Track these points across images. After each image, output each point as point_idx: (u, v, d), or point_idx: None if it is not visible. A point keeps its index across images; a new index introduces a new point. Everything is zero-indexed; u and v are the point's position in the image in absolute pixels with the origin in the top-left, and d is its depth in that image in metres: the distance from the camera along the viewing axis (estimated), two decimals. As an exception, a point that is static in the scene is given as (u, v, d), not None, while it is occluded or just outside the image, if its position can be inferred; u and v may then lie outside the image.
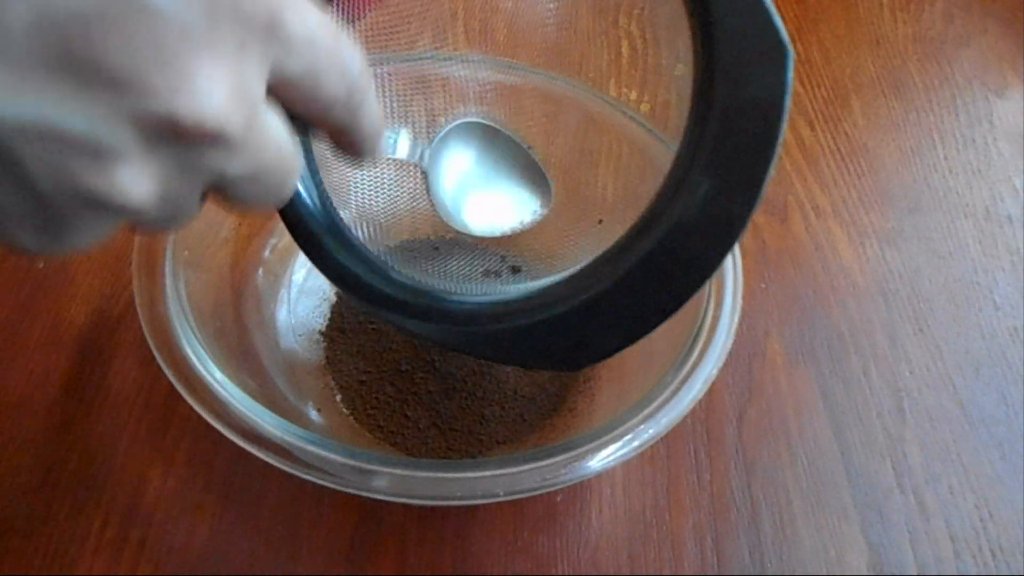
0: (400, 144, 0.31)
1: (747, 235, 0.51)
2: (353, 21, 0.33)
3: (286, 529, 0.36)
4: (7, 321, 0.42)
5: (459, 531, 0.36)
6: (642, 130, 0.42)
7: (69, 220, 0.19)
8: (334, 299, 0.44)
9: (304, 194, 0.31)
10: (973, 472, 0.40)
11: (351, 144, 0.24)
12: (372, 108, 0.23)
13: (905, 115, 0.60)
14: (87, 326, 0.42)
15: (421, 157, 0.32)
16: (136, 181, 0.18)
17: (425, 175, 0.33)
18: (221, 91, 0.18)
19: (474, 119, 0.34)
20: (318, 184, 0.32)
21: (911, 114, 0.60)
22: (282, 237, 0.44)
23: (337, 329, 0.43)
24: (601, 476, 0.39)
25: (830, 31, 0.66)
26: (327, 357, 0.42)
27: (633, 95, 0.58)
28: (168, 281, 0.35)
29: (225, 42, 0.18)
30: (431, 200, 0.33)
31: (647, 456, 0.39)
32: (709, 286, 0.36)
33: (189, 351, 0.33)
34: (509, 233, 0.36)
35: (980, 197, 0.54)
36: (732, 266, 0.37)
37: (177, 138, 0.18)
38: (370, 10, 0.35)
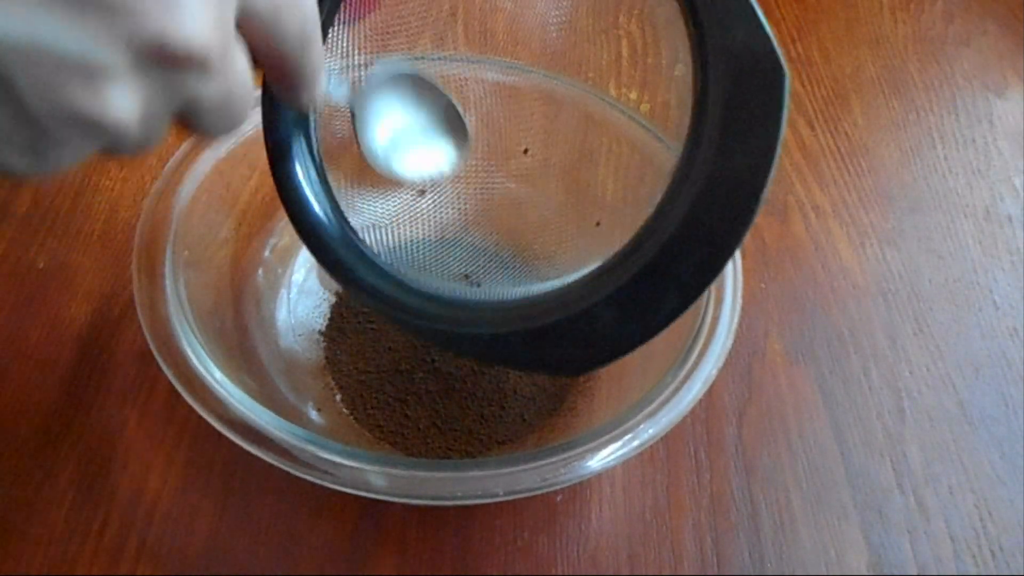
0: (337, 87, 0.32)
1: (747, 235, 0.51)
2: (353, 21, 0.33)
3: (286, 529, 0.36)
4: (7, 321, 0.42)
5: (459, 531, 0.36)
6: (642, 130, 0.42)
7: (56, 140, 0.20)
8: (334, 299, 0.44)
9: (315, 203, 0.32)
10: (973, 472, 0.40)
11: (295, 80, 0.25)
12: (319, 45, 0.25)
13: (905, 115, 0.60)
14: (87, 326, 0.42)
15: (353, 102, 0.33)
16: (122, 100, 0.19)
17: (354, 117, 0.33)
18: (206, 18, 0.19)
19: (403, 70, 0.35)
20: (327, 190, 0.33)
21: (911, 114, 0.60)
22: (282, 237, 0.44)
23: (337, 329, 0.43)
24: (601, 476, 0.39)
25: (830, 31, 0.66)
26: (327, 357, 0.42)
27: (633, 95, 0.58)
28: (168, 281, 0.35)
29: None
30: (359, 144, 0.34)
31: (647, 456, 0.39)
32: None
33: (189, 351, 0.33)
34: (434, 177, 0.37)
35: (980, 197, 0.54)
36: (732, 266, 0.37)
37: (166, 60, 0.19)
38: (370, 10, 0.35)
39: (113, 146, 0.21)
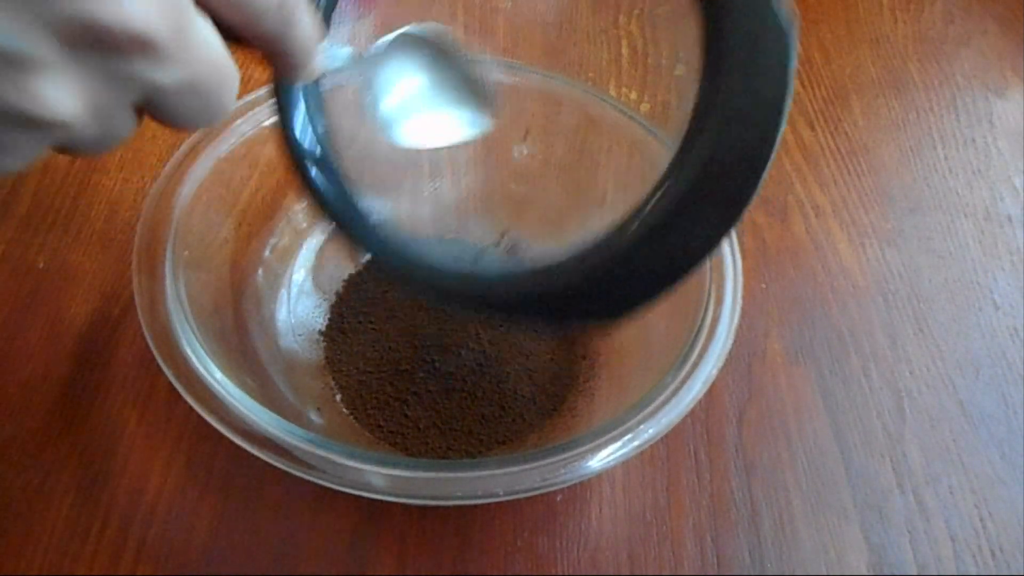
0: (339, 58, 0.30)
1: (747, 235, 0.51)
2: (353, 20, 0.33)
3: (286, 529, 0.36)
4: (7, 321, 0.42)
5: (459, 531, 0.36)
6: (642, 130, 0.42)
7: None
8: (334, 299, 0.44)
9: (321, 184, 0.31)
10: (973, 472, 0.40)
11: (284, 58, 0.23)
12: (305, 18, 0.23)
13: (905, 115, 0.60)
14: (87, 326, 0.42)
15: (361, 73, 0.31)
16: (61, 93, 0.18)
17: (364, 89, 0.32)
18: None
19: (413, 31, 0.33)
20: (336, 170, 0.32)
21: (911, 114, 0.60)
22: (282, 237, 0.44)
23: (337, 329, 0.43)
24: (601, 476, 0.38)
25: (830, 31, 0.66)
26: (327, 357, 0.42)
27: (633, 95, 0.58)
28: (168, 281, 0.35)
29: None
30: (370, 117, 0.33)
31: (647, 456, 0.39)
32: (709, 285, 0.36)
33: (189, 351, 0.33)
34: (451, 143, 0.35)
35: (980, 197, 0.54)
36: (732, 266, 0.37)
37: (101, 44, 0.17)
38: (370, 10, 0.35)
39: (68, 144, 0.19)
